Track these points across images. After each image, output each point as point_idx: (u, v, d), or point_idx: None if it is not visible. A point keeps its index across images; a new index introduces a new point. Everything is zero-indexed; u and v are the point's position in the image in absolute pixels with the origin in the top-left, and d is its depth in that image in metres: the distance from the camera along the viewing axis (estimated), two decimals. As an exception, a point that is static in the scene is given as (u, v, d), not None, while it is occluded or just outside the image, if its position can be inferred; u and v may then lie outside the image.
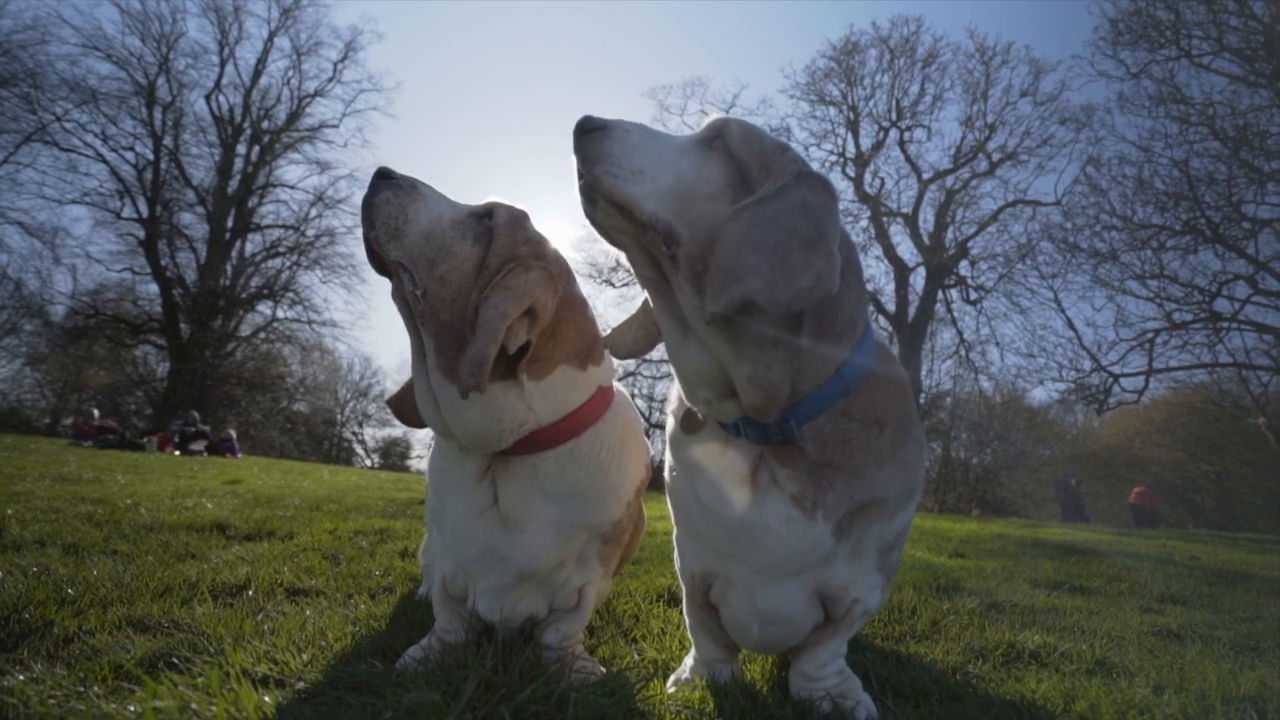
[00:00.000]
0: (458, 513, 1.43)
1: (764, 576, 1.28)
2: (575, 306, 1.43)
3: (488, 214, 1.39)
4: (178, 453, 13.72)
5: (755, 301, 0.98)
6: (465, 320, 1.30)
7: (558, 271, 1.38)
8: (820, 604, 1.33)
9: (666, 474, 1.44)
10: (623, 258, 1.22)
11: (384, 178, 1.35)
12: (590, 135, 1.12)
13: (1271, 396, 20.12)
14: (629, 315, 1.39)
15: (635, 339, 1.36)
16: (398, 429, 37.07)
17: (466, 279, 1.32)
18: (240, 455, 15.38)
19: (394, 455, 35.04)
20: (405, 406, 1.53)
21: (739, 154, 1.15)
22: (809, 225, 1.04)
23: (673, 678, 1.51)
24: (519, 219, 1.41)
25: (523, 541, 1.40)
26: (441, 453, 1.49)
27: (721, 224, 1.06)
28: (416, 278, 1.30)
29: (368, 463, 34.31)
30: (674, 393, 1.40)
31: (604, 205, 1.12)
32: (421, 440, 34.63)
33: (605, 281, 24.09)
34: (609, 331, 1.39)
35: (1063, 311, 20.13)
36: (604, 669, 1.50)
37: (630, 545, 1.75)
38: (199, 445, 14.52)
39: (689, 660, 1.53)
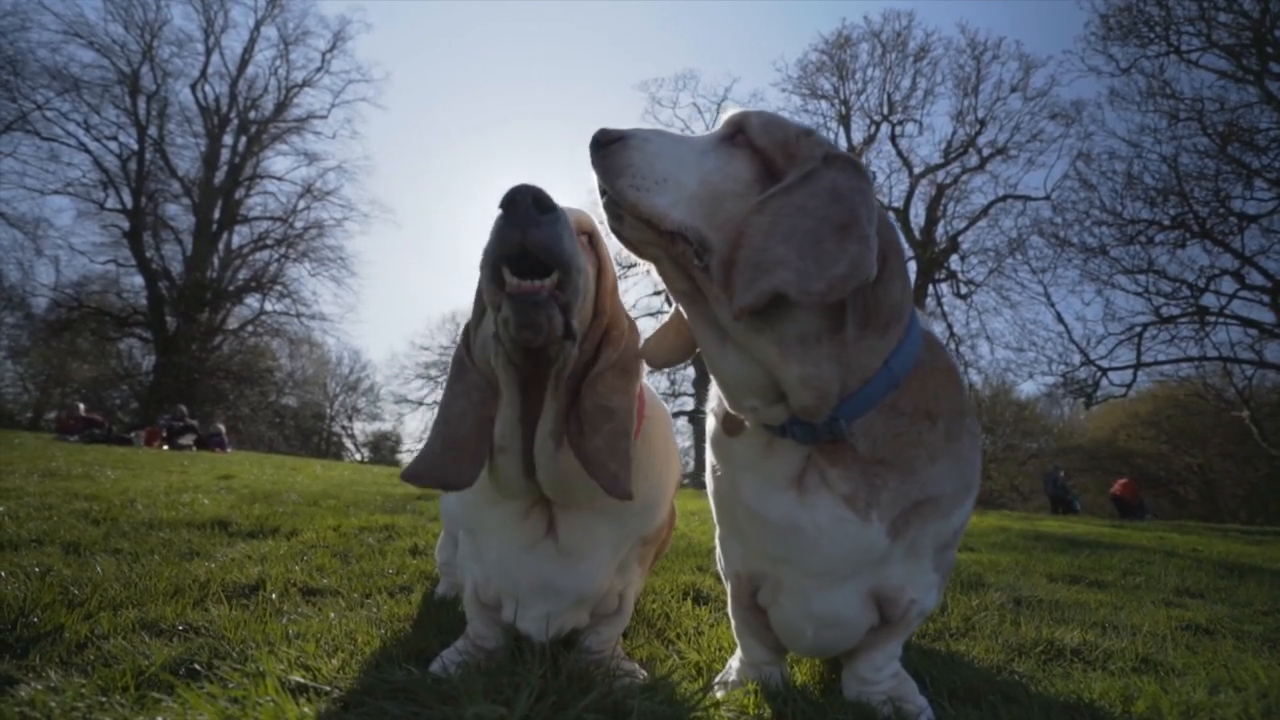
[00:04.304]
0: (502, 547, 1.32)
1: (817, 581, 1.22)
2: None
3: (588, 234, 1.21)
4: (166, 447, 13.53)
5: (786, 293, 0.92)
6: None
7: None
8: (876, 606, 1.27)
9: (708, 475, 1.38)
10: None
11: (549, 209, 1.03)
12: (609, 148, 1.05)
13: (1256, 390, 20.42)
14: (662, 324, 1.31)
15: (671, 348, 1.28)
16: (388, 423, 36.84)
17: (589, 329, 1.18)
18: (229, 450, 15.19)
19: (384, 450, 34.82)
20: (447, 472, 1.14)
21: (761, 146, 1.09)
22: (840, 209, 0.98)
23: (718, 680, 1.45)
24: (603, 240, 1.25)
25: (580, 571, 1.31)
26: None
27: (746, 217, 1.00)
28: (576, 332, 1.08)
29: (358, 457, 34.10)
30: (714, 390, 1.33)
31: (631, 220, 1.05)
32: (412, 434, 34.32)
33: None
34: (644, 343, 1.32)
35: (1052, 306, 20.26)
36: (645, 672, 1.45)
37: (664, 541, 1.69)
38: (188, 439, 14.36)
39: (734, 662, 1.47)
